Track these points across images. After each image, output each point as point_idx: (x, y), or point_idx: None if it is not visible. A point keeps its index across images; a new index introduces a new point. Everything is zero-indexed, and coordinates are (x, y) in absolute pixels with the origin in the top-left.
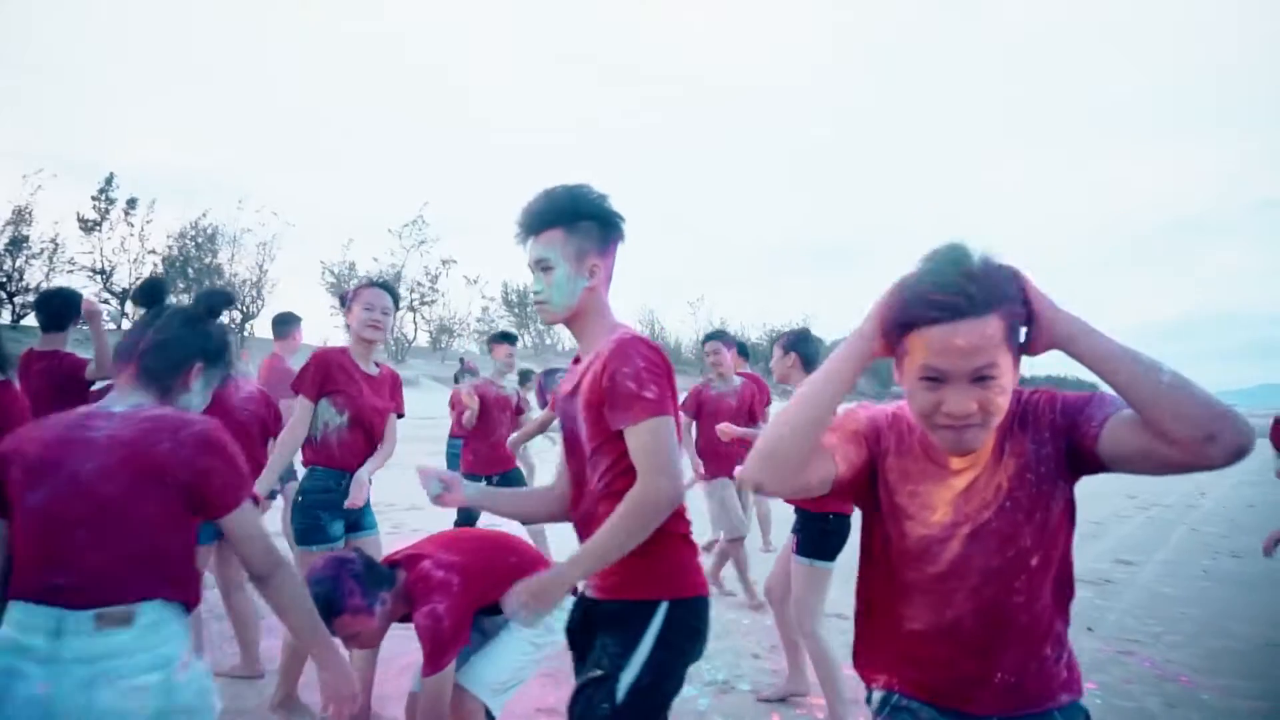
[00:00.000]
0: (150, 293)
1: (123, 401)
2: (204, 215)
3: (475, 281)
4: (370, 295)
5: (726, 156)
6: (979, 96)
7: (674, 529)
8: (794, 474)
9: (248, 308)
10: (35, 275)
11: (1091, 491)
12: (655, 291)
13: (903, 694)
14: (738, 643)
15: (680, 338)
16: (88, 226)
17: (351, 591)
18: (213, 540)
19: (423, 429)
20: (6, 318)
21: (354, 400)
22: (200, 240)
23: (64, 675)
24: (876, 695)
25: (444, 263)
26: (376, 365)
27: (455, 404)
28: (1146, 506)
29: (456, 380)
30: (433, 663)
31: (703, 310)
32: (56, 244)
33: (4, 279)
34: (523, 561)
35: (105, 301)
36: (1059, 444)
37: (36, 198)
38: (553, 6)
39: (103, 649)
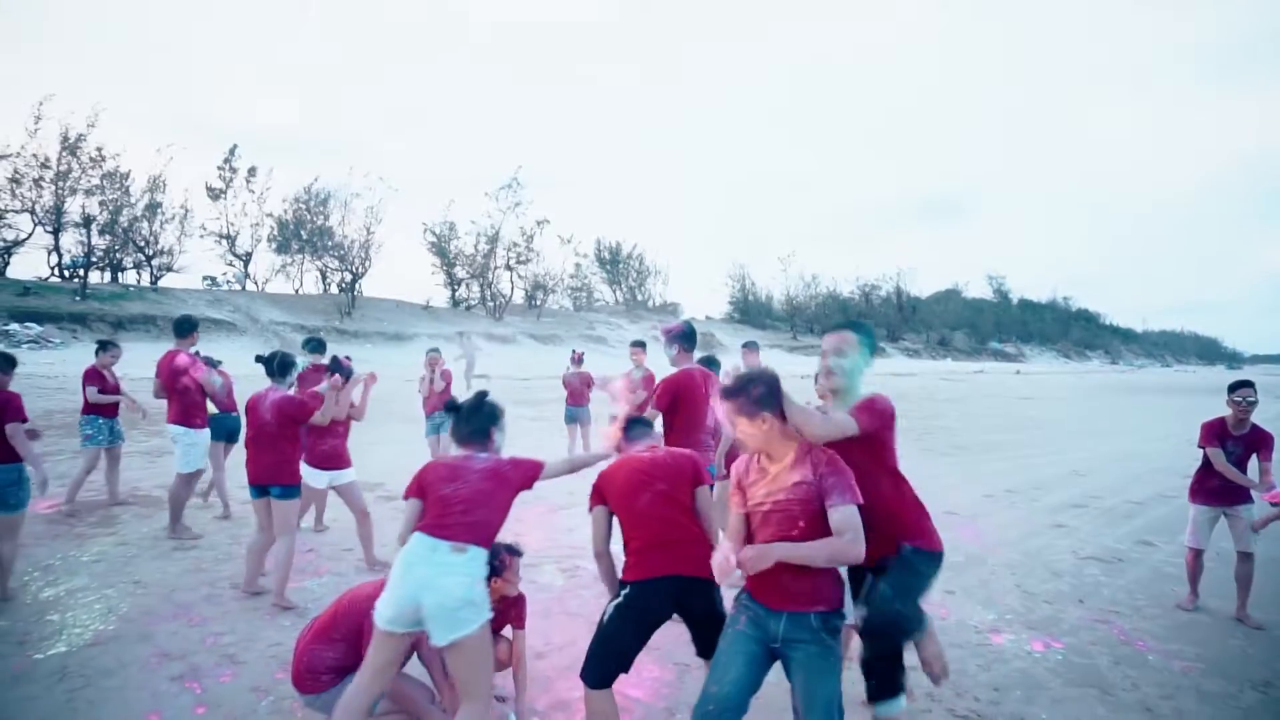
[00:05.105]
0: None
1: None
2: (315, 180)
3: (569, 241)
4: None
5: (819, 106)
6: (1090, 34)
7: None
8: None
9: (357, 267)
10: (169, 239)
11: (1144, 469)
12: (745, 248)
13: (747, 592)
14: None
15: (772, 293)
16: (214, 194)
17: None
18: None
19: (519, 390)
20: (146, 279)
21: None
22: (312, 204)
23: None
24: (740, 593)
25: (538, 223)
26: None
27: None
28: None
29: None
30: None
31: (793, 266)
32: (187, 209)
33: (143, 243)
34: None
35: (230, 264)
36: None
37: (169, 168)
38: None
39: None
